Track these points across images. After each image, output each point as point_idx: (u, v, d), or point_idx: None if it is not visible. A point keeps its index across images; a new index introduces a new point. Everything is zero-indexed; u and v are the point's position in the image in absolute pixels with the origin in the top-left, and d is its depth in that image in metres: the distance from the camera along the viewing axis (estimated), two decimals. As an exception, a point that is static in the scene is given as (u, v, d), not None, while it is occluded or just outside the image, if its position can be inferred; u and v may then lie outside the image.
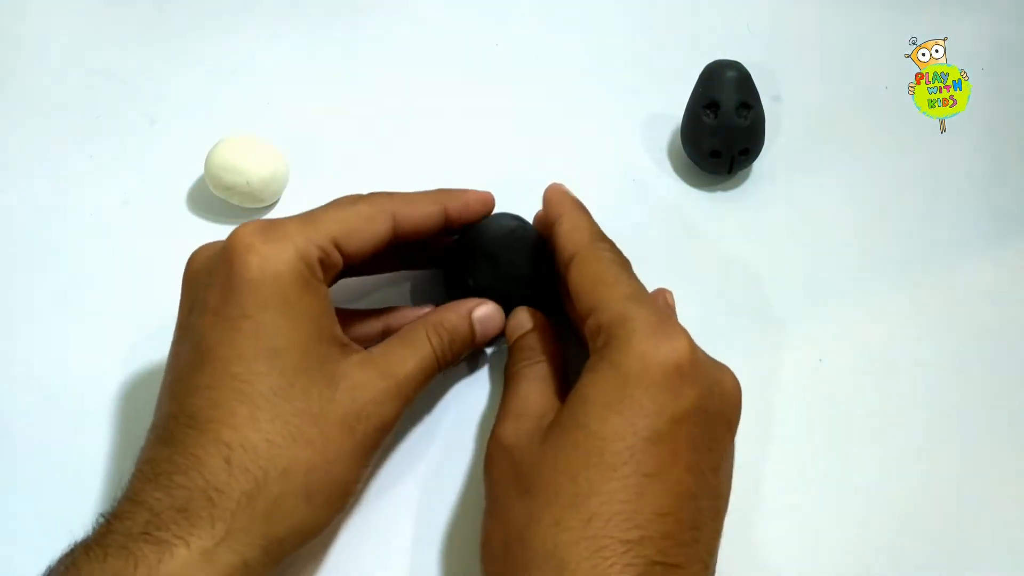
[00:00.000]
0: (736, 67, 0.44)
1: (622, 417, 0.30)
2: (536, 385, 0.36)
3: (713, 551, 0.32)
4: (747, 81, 0.44)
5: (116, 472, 0.38)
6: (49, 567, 0.29)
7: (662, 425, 0.30)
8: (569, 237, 0.36)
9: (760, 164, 0.47)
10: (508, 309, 0.39)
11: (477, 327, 0.38)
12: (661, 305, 0.37)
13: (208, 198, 0.45)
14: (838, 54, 0.52)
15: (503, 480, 0.33)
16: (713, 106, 0.44)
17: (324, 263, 0.33)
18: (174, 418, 0.31)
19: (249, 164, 0.43)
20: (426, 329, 0.36)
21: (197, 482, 0.29)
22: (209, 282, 0.32)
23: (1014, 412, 0.41)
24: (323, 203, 0.35)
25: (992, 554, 0.38)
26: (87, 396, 0.40)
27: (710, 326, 0.42)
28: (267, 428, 0.30)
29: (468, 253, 0.39)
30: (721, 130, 0.44)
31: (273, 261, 0.32)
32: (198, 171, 0.45)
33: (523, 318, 0.39)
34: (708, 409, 0.32)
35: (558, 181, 0.39)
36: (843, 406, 0.41)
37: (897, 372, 0.42)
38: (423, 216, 0.37)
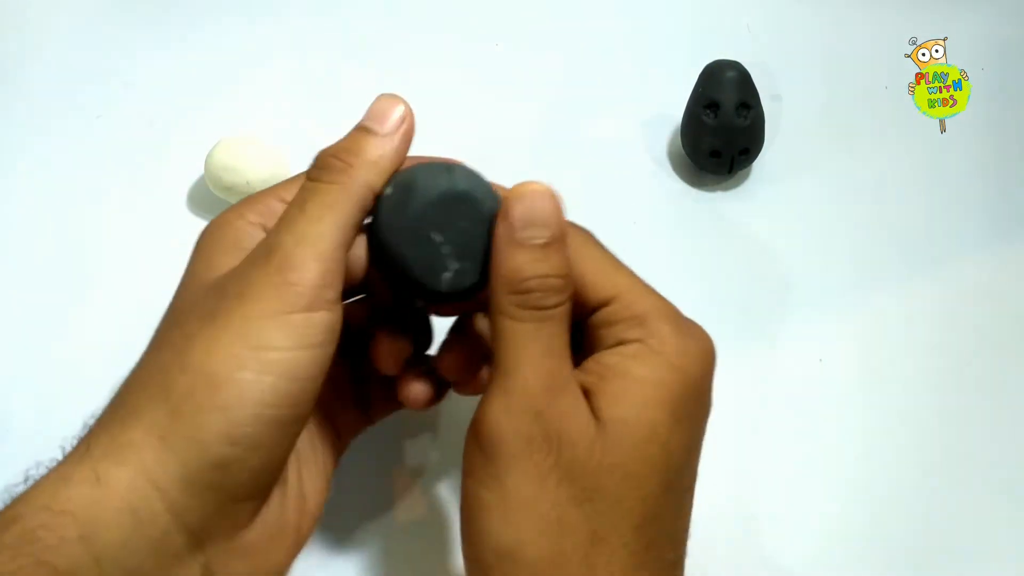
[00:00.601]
0: (736, 67, 0.44)
1: (681, 428, 0.28)
2: (564, 341, 0.28)
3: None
4: (747, 81, 0.44)
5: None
6: None
7: (698, 437, 0.29)
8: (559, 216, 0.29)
9: (760, 164, 0.47)
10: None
11: (371, 125, 0.30)
12: None
13: (208, 198, 0.45)
14: (838, 54, 0.52)
15: (545, 474, 0.27)
16: (713, 106, 0.44)
17: (259, 210, 0.30)
18: None
19: (249, 164, 0.43)
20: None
21: (98, 419, 0.28)
22: None
23: (1014, 412, 0.41)
24: None
25: (991, 552, 0.38)
26: (87, 396, 0.40)
27: (709, 326, 0.42)
28: (144, 357, 0.29)
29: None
30: (721, 130, 0.44)
31: (213, 225, 0.31)
32: (198, 171, 0.45)
33: (546, 208, 0.29)
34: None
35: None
36: (843, 406, 0.41)
37: (897, 372, 0.42)
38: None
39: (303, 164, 0.46)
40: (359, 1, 0.53)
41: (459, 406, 0.40)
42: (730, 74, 0.44)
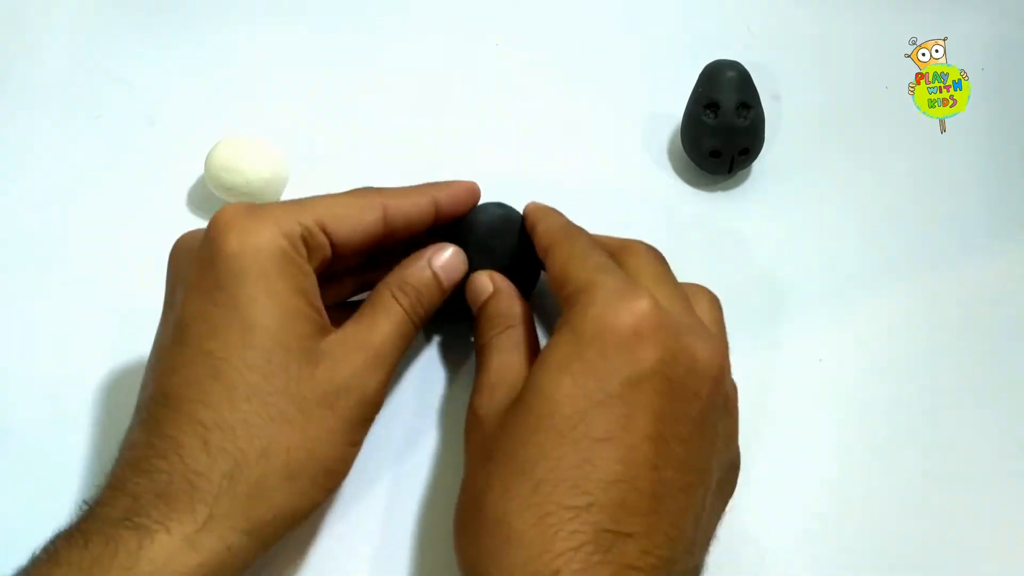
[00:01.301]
0: (736, 67, 0.44)
1: (573, 379, 0.30)
2: (508, 356, 0.35)
3: (681, 525, 0.30)
4: (747, 81, 0.44)
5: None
6: (32, 555, 0.29)
7: (614, 388, 0.30)
8: (544, 233, 0.37)
9: (760, 164, 0.47)
10: None
11: (441, 275, 0.36)
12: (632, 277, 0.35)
13: (208, 198, 0.45)
14: (838, 54, 0.52)
15: (474, 452, 0.33)
16: (713, 106, 0.44)
17: (308, 243, 0.33)
18: (152, 399, 0.31)
19: (249, 164, 0.43)
20: (390, 290, 0.35)
21: (176, 465, 0.29)
22: (190, 260, 0.32)
23: (1014, 412, 0.41)
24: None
25: (990, 551, 0.38)
26: (86, 395, 0.40)
27: (710, 326, 0.42)
28: (244, 408, 0.30)
29: (461, 247, 0.38)
30: (721, 130, 0.44)
31: (254, 236, 0.31)
32: (198, 171, 0.45)
33: (482, 283, 0.37)
34: (671, 376, 0.30)
35: (534, 201, 0.39)
36: (843, 406, 0.41)
37: (897, 372, 0.42)
38: (414, 207, 0.36)
39: (303, 164, 0.46)
40: (359, 1, 0.53)
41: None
42: (730, 74, 0.44)
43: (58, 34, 0.51)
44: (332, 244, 0.34)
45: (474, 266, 0.38)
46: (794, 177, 0.47)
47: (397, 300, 0.35)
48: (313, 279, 0.33)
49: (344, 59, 0.51)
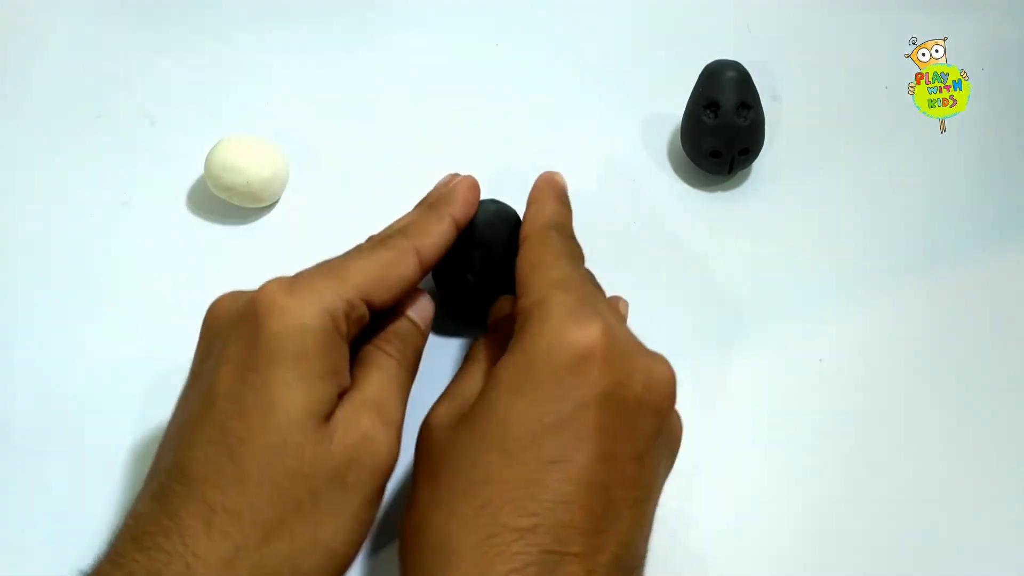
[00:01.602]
0: (736, 67, 0.44)
1: (526, 401, 0.30)
2: (473, 368, 0.35)
3: (629, 542, 0.30)
4: (747, 81, 0.45)
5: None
6: None
7: (566, 410, 0.30)
8: (528, 222, 0.36)
9: (760, 164, 0.47)
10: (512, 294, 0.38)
11: (415, 318, 0.36)
12: (590, 293, 0.34)
13: (208, 198, 0.45)
14: (838, 54, 0.52)
15: (421, 466, 0.32)
16: (713, 106, 0.44)
17: (349, 316, 0.32)
18: (168, 472, 0.30)
19: (249, 164, 0.43)
20: (374, 344, 0.35)
21: (177, 547, 0.28)
22: (229, 334, 0.31)
23: (1014, 412, 0.41)
24: (345, 251, 0.34)
25: (990, 551, 0.38)
26: (86, 394, 0.40)
27: (710, 326, 0.42)
28: (253, 491, 0.29)
29: (459, 248, 0.38)
30: (721, 130, 0.44)
31: (297, 315, 0.30)
32: (198, 171, 0.45)
33: (503, 304, 0.38)
34: (625, 396, 0.30)
35: (556, 170, 0.39)
36: (843, 406, 0.41)
37: (897, 372, 0.42)
38: (441, 238, 0.36)
39: (303, 164, 0.46)
40: (358, 2, 0.53)
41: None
42: (730, 74, 0.44)
43: (58, 34, 0.51)
44: (371, 307, 0.33)
45: (471, 263, 0.38)
46: (794, 177, 0.47)
47: (384, 351, 0.34)
48: (347, 355, 0.32)
49: (344, 59, 0.51)
